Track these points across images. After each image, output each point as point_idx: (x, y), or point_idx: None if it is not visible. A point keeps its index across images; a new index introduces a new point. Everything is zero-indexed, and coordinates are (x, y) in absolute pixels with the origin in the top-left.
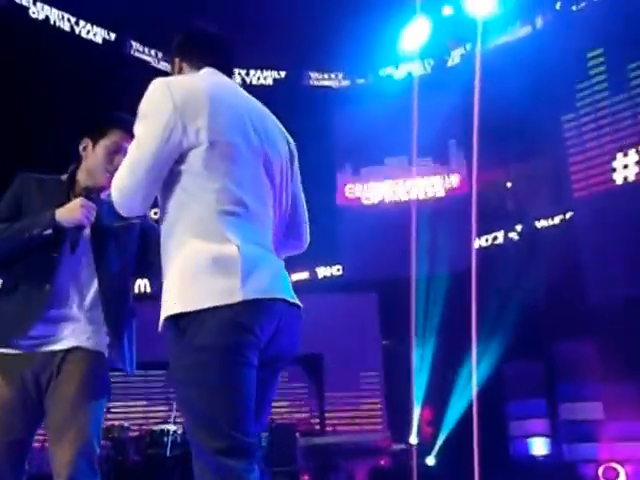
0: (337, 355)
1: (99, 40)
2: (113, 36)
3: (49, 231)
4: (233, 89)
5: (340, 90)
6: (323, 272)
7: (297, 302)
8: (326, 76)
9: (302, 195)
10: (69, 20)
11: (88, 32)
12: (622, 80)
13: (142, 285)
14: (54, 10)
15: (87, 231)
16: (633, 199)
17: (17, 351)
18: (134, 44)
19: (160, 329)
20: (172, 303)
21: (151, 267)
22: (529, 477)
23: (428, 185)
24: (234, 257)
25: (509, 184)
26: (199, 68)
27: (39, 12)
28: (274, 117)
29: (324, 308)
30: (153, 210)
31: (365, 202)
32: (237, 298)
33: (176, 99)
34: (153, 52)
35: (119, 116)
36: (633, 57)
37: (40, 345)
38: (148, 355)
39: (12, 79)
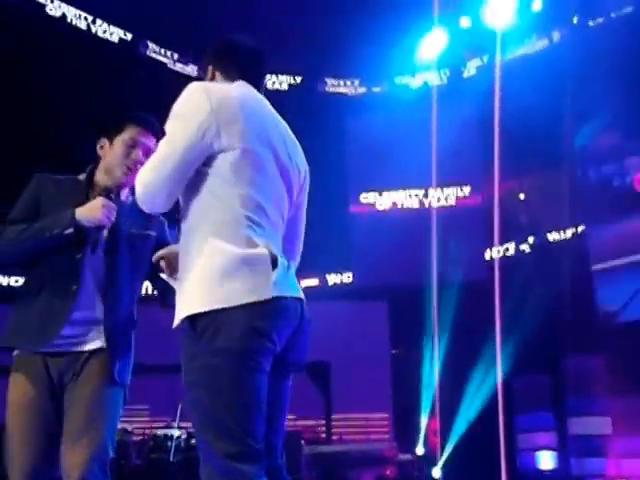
0: (345, 363)
1: (115, 39)
2: (129, 36)
3: (70, 230)
4: (263, 103)
5: (356, 97)
6: (333, 279)
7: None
8: (342, 82)
9: (305, 214)
10: (86, 19)
11: (104, 31)
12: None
13: (149, 287)
14: (71, 8)
15: (104, 231)
16: None
17: (45, 351)
18: (150, 45)
19: (175, 328)
20: (191, 303)
21: (160, 281)
22: None
23: (441, 194)
24: (263, 257)
25: (522, 196)
26: (232, 79)
27: (56, 9)
28: (289, 129)
29: (333, 315)
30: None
31: (377, 210)
32: (267, 295)
33: (213, 102)
34: (169, 53)
35: (135, 113)
36: None
37: (67, 346)
38: (153, 359)
39: (27, 76)
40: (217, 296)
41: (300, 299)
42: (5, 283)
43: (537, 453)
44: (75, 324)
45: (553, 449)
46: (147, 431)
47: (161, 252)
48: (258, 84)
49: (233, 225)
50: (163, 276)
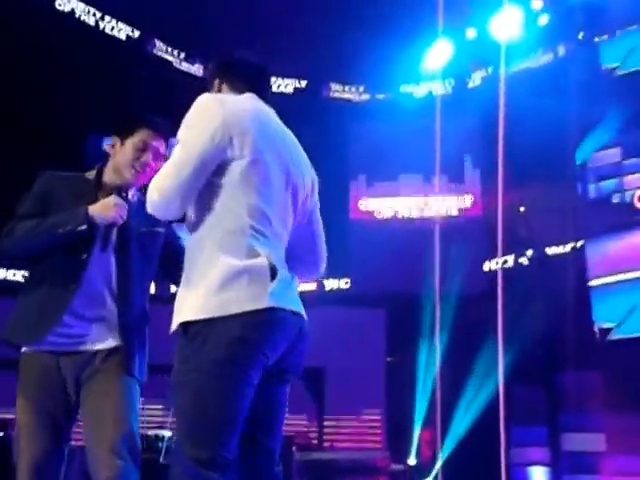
0: (340, 369)
1: (123, 37)
2: (137, 34)
3: (84, 227)
4: (271, 115)
5: (359, 104)
6: (331, 284)
7: (306, 319)
8: (346, 88)
9: (321, 223)
10: (94, 15)
11: (112, 28)
12: None
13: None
14: (80, 4)
15: (114, 231)
16: None
17: (55, 348)
18: (157, 43)
19: (172, 333)
20: (186, 311)
21: (168, 277)
22: None
23: (442, 204)
24: (263, 267)
25: (522, 208)
26: (240, 92)
27: (65, 4)
28: (296, 141)
29: (329, 321)
30: None
31: (378, 217)
32: (263, 304)
33: (226, 111)
34: (176, 52)
35: (148, 116)
36: None
37: (76, 345)
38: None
39: (31, 70)
40: (210, 306)
41: (299, 314)
42: (2, 277)
43: (530, 468)
44: (86, 321)
45: (546, 464)
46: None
47: None
48: (265, 96)
49: (238, 235)
50: None
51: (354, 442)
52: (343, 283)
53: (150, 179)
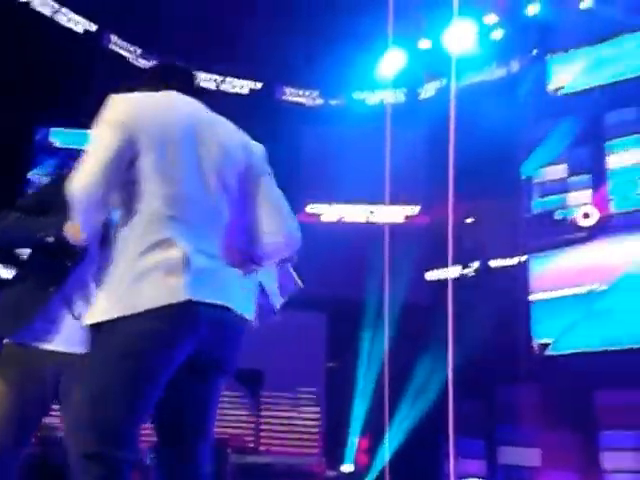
0: (279, 373)
1: (80, 30)
2: (94, 27)
3: (51, 239)
4: (186, 101)
5: (313, 108)
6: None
7: (245, 316)
8: (301, 92)
9: (273, 198)
10: (52, 6)
11: (69, 20)
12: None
13: None
14: None
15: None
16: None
17: (38, 345)
18: (113, 37)
19: (85, 328)
20: (98, 311)
21: None
22: None
23: (389, 211)
24: (176, 260)
25: (469, 220)
26: (158, 90)
27: None
28: (232, 125)
29: (271, 323)
30: None
31: (325, 221)
32: (174, 299)
33: (132, 106)
34: (132, 48)
35: None
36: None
37: (61, 344)
38: None
39: None
40: (121, 303)
41: (225, 307)
42: None
43: None
44: (65, 323)
45: (482, 477)
46: None
47: None
48: (186, 91)
49: (155, 228)
50: None
51: (291, 446)
52: None
53: None
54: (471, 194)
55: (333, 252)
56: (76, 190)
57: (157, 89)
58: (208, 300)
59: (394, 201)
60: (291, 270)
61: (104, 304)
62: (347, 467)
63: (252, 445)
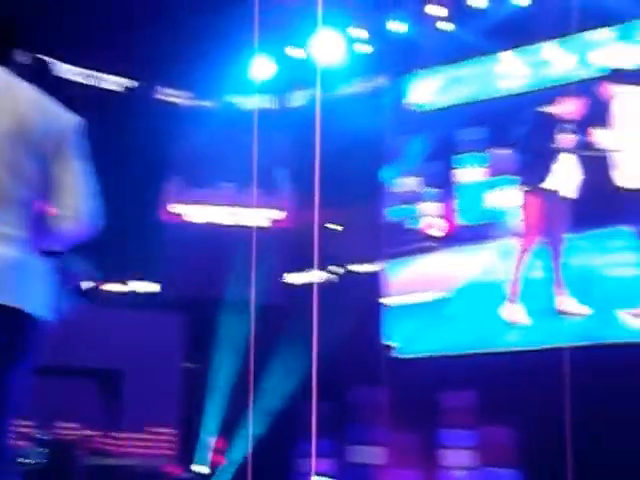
0: (136, 373)
1: None
2: None
3: None
4: None
5: (185, 108)
6: (136, 286)
7: (34, 312)
8: (174, 92)
9: (74, 175)
10: None
11: None
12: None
13: None
14: None
15: None
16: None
17: None
18: None
19: None
20: None
21: None
22: None
23: (254, 215)
24: None
25: (332, 226)
26: None
27: None
28: (38, 95)
29: (130, 324)
30: None
31: (190, 222)
32: None
33: None
34: None
35: None
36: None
37: None
38: None
39: None
40: None
41: (15, 308)
42: None
43: (314, 479)
44: None
45: (332, 476)
46: None
47: None
48: None
49: None
50: None
51: (145, 448)
52: (149, 286)
53: None
54: (334, 201)
55: (197, 253)
56: None
57: None
58: None
59: (260, 205)
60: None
61: None
62: (202, 468)
63: (105, 447)
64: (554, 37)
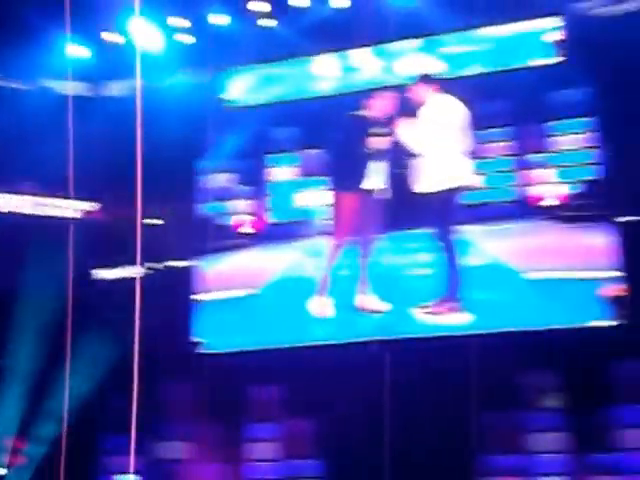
0: None
1: None
2: None
3: None
4: None
5: None
6: None
7: None
8: None
9: None
10: None
11: None
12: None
13: None
14: None
15: None
16: None
17: None
18: None
19: None
20: None
21: None
22: None
23: (66, 205)
24: None
25: (148, 221)
26: None
27: None
28: None
29: None
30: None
31: None
32: None
33: None
34: None
35: None
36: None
37: None
38: None
39: None
40: None
41: None
42: None
43: (119, 477)
44: None
45: (136, 472)
46: None
47: None
48: None
49: None
50: None
51: None
52: None
53: None
54: (152, 195)
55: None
56: None
57: None
58: None
59: (73, 196)
60: None
61: None
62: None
63: None
64: (368, 44)
